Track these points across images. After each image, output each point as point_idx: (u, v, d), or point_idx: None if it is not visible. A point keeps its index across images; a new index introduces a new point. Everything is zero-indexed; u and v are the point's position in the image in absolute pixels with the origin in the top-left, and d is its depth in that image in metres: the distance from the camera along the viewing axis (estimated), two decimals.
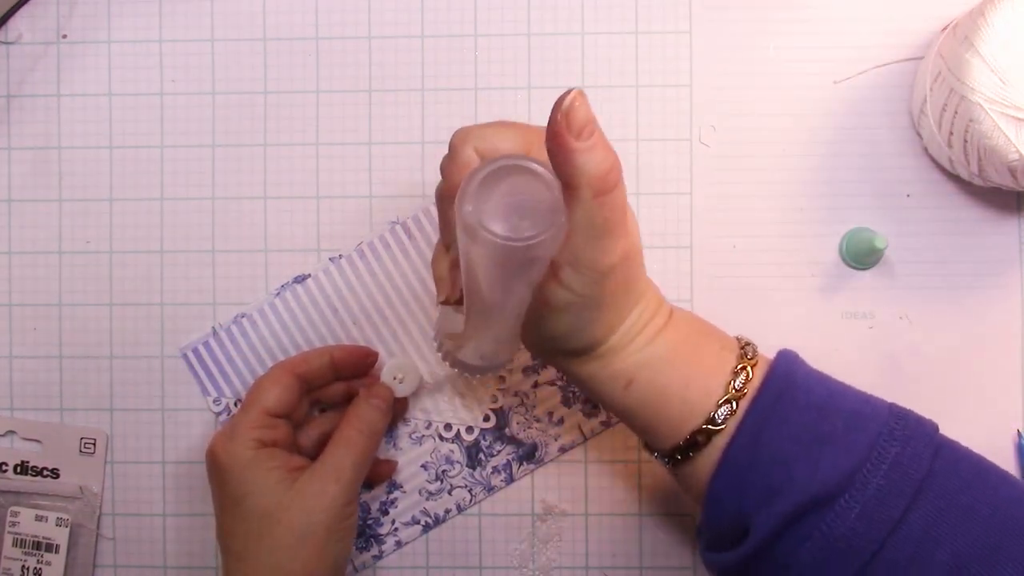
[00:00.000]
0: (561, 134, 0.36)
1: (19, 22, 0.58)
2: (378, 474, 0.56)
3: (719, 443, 0.42)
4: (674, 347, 0.43)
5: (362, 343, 0.56)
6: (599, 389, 0.44)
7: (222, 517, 0.50)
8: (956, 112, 0.49)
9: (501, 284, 0.40)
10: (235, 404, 0.57)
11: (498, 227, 0.37)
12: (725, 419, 0.42)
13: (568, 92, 0.36)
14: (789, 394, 0.42)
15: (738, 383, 0.42)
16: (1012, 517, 0.40)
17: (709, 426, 0.42)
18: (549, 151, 0.37)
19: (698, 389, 0.42)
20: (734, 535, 0.43)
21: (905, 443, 0.41)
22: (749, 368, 0.43)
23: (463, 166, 0.41)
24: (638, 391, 0.43)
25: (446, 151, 0.57)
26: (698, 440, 0.42)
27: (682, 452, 0.43)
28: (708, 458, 0.43)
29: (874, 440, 0.41)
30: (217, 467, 0.49)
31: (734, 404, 0.42)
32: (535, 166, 0.38)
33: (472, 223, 0.37)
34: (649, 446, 0.46)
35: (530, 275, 0.40)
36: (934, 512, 0.40)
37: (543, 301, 0.41)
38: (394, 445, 0.57)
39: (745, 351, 0.44)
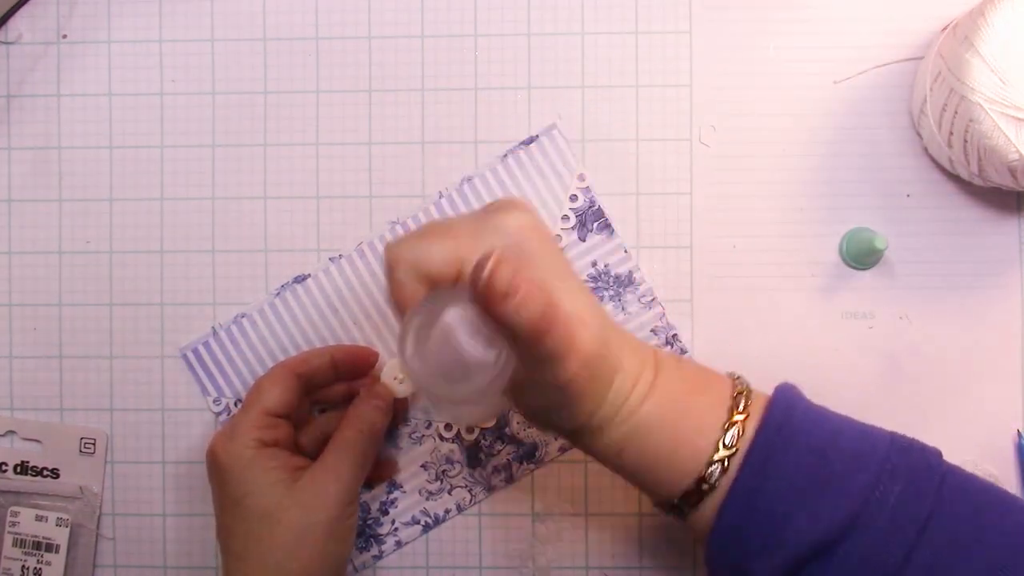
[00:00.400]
0: (486, 299, 0.37)
1: (19, 22, 0.58)
2: (379, 474, 0.56)
3: (714, 501, 0.42)
4: (660, 413, 0.42)
5: (362, 343, 0.56)
6: (596, 456, 0.44)
7: (222, 517, 0.50)
8: (956, 112, 0.49)
9: (448, 392, 0.41)
10: (235, 404, 0.57)
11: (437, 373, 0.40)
12: (717, 479, 0.41)
13: (487, 257, 0.36)
14: (784, 442, 0.41)
15: (728, 440, 0.41)
16: (1020, 544, 0.39)
17: (703, 485, 0.41)
18: (479, 307, 0.38)
19: (687, 451, 0.42)
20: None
21: (908, 481, 0.40)
22: (740, 424, 0.42)
23: (398, 286, 0.41)
24: (629, 458, 0.43)
25: (446, 151, 0.58)
26: (691, 500, 0.42)
27: (678, 511, 0.43)
28: (706, 513, 0.42)
29: (875, 481, 0.40)
30: (217, 467, 0.49)
31: (726, 462, 0.41)
32: (463, 340, 0.39)
33: (412, 368, 0.40)
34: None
35: (477, 381, 0.40)
36: (940, 546, 0.39)
37: (518, 386, 0.41)
38: (395, 445, 0.57)
39: (736, 401, 0.42)
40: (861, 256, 0.55)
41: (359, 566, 0.57)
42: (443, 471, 0.56)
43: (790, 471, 0.41)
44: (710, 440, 0.41)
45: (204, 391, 0.57)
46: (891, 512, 0.39)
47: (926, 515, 0.39)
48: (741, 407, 0.42)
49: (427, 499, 0.56)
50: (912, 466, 0.40)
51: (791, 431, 0.41)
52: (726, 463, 0.41)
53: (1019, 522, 0.40)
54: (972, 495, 0.41)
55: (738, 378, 0.44)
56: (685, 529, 0.55)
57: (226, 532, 0.49)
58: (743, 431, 0.41)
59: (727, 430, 0.41)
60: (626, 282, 0.56)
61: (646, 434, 0.42)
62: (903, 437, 0.42)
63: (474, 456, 0.56)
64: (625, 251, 0.56)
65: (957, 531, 0.39)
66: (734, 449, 0.41)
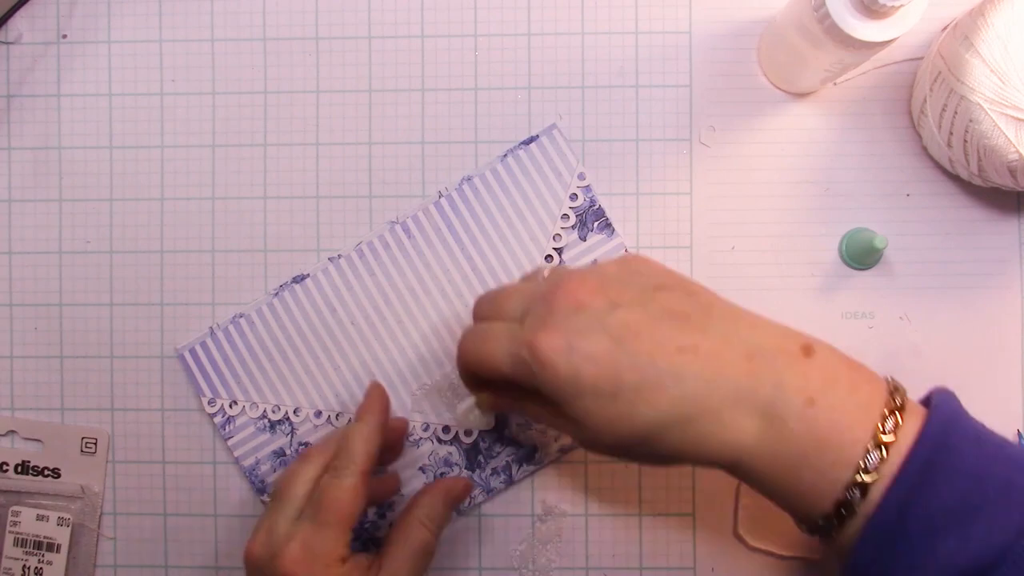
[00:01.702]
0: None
1: (19, 22, 0.58)
2: (384, 491, 0.55)
3: (864, 510, 0.40)
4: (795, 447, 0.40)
5: (361, 343, 0.56)
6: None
7: None
8: (956, 112, 0.49)
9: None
10: (230, 406, 0.57)
11: None
12: (858, 501, 0.39)
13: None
14: (942, 462, 0.39)
15: (888, 426, 0.39)
16: None
17: (846, 501, 0.40)
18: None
19: (827, 470, 0.40)
20: None
21: None
22: (890, 444, 0.39)
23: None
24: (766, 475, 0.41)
25: (446, 151, 0.58)
26: (846, 500, 0.40)
27: (822, 530, 0.41)
28: (849, 531, 0.40)
29: None
30: None
31: (879, 464, 0.39)
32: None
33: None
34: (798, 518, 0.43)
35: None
36: None
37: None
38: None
39: (889, 414, 0.40)
40: (861, 256, 0.55)
41: None
42: (442, 473, 0.56)
43: (944, 494, 0.38)
44: (868, 429, 0.40)
45: (200, 391, 0.57)
46: None
47: None
48: (899, 400, 0.41)
49: None
50: None
51: (948, 451, 0.39)
52: (883, 453, 0.39)
53: None
54: None
55: (894, 387, 0.42)
56: (684, 528, 0.55)
57: None
58: (888, 453, 0.39)
59: (876, 448, 0.39)
60: None
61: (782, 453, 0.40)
62: None
63: (473, 458, 0.56)
64: (625, 251, 0.56)
65: None
66: (891, 439, 0.39)
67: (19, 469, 0.57)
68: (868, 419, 0.40)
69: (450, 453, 0.56)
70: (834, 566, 0.43)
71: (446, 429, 0.56)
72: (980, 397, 0.55)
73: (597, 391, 0.40)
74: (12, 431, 0.57)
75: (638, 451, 0.42)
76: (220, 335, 0.57)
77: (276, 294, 0.57)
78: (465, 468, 0.56)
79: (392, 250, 0.57)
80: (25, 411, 0.58)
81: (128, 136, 0.58)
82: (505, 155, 0.56)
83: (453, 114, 0.57)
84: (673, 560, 0.56)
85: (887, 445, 0.39)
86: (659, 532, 0.56)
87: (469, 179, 0.56)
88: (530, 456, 0.56)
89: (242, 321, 0.57)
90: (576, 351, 0.40)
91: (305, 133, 0.57)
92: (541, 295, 0.43)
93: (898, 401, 0.40)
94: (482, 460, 0.56)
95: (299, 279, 0.57)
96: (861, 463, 0.39)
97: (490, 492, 0.56)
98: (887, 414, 0.40)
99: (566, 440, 0.56)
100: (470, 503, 0.56)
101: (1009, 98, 0.47)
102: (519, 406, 0.48)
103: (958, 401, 0.42)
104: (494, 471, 0.56)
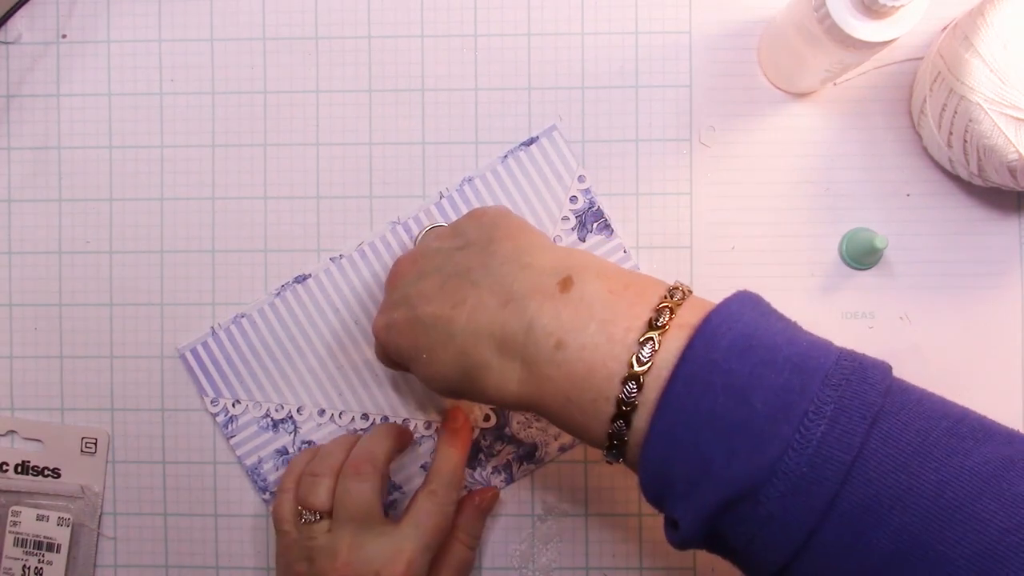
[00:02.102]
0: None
1: (19, 22, 0.58)
2: (486, 508, 0.56)
3: (635, 440, 0.39)
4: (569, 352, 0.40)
5: (362, 343, 0.56)
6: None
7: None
8: (956, 112, 0.49)
9: None
10: (233, 405, 0.57)
11: None
12: (631, 401, 0.39)
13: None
14: (706, 376, 0.38)
15: (645, 354, 0.39)
16: (965, 490, 0.35)
17: (621, 411, 0.39)
18: None
19: (601, 374, 0.39)
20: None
21: (834, 420, 0.36)
22: (656, 340, 0.39)
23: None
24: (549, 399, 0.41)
25: (446, 151, 0.58)
26: (616, 437, 0.40)
27: (611, 450, 0.41)
28: (632, 454, 0.40)
29: (798, 423, 0.36)
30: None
31: (638, 382, 0.39)
32: None
33: None
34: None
35: None
36: (870, 493, 0.36)
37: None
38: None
39: (659, 313, 0.40)
40: (861, 256, 0.55)
41: None
42: None
43: (710, 409, 0.37)
44: (623, 360, 0.39)
45: (202, 391, 0.57)
46: (811, 456, 0.36)
47: (851, 458, 0.36)
48: (662, 320, 0.39)
49: None
50: (844, 402, 0.36)
51: (713, 363, 0.38)
52: (639, 384, 0.39)
53: (968, 465, 0.36)
54: (915, 427, 0.37)
55: (677, 288, 0.41)
56: None
57: None
58: (644, 382, 0.39)
59: (643, 345, 0.39)
60: None
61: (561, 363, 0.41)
62: (850, 359, 0.38)
63: (474, 456, 0.56)
64: (625, 251, 0.56)
65: (889, 476, 0.36)
66: (646, 367, 0.38)
67: (19, 469, 0.57)
68: (624, 351, 0.39)
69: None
70: None
71: None
72: (980, 397, 0.55)
73: (409, 356, 0.46)
74: (12, 431, 0.57)
75: (464, 397, 0.45)
76: (222, 335, 0.57)
77: (278, 294, 0.57)
78: (466, 466, 0.56)
79: (393, 250, 0.57)
80: (25, 411, 0.58)
81: (128, 136, 0.58)
82: (505, 156, 0.56)
83: (453, 114, 0.57)
84: (673, 560, 0.56)
85: (642, 375, 0.38)
86: (659, 532, 0.56)
87: (470, 180, 0.56)
88: (530, 455, 0.56)
89: (243, 321, 0.57)
90: (391, 326, 0.47)
91: (305, 133, 0.57)
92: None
93: (663, 321, 0.39)
94: (483, 459, 0.56)
95: (301, 279, 0.57)
96: (620, 396, 0.39)
97: None
98: (644, 341, 0.39)
99: (566, 439, 0.56)
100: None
101: (1009, 98, 0.47)
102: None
103: (748, 300, 0.41)
104: (495, 470, 0.56)
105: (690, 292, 0.42)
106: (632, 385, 0.39)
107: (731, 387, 0.37)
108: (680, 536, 0.39)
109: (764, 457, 0.36)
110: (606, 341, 0.40)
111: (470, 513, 0.54)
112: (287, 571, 0.50)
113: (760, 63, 0.56)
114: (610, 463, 0.42)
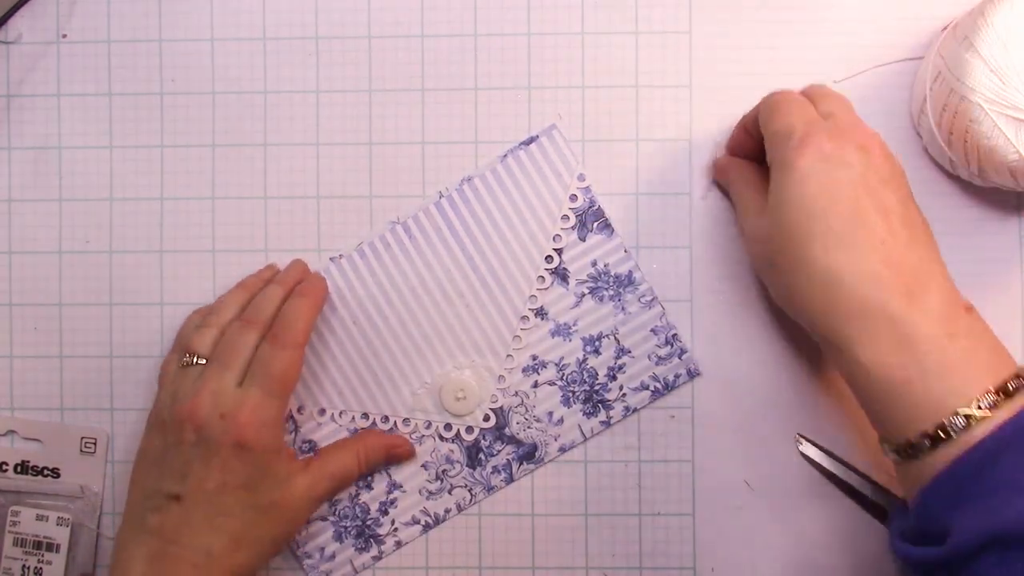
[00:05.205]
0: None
1: (19, 22, 0.58)
2: (397, 455, 0.56)
3: (963, 439, 0.41)
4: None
5: (362, 343, 0.56)
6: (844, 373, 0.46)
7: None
8: (956, 112, 0.49)
9: None
10: None
11: None
12: (989, 408, 0.41)
13: None
14: None
15: (987, 401, 0.41)
16: None
17: (942, 431, 0.42)
18: None
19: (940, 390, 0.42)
20: (934, 534, 0.42)
21: None
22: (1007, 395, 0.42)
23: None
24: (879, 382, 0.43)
25: (446, 151, 0.58)
26: (947, 425, 0.42)
27: (906, 451, 0.43)
28: (942, 454, 0.42)
29: None
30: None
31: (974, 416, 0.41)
32: None
33: None
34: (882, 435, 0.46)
35: None
36: None
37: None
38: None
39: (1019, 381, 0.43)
40: None
41: (359, 566, 0.57)
42: (443, 471, 0.56)
43: None
44: (972, 393, 0.42)
45: None
46: None
47: None
48: (1014, 386, 0.42)
49: (427, 499, 0.56)
50: None
51: None
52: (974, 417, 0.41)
53: None
54: None
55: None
56: (684, 528, 0.55)
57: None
58: (1004, 400, 0.41)
59: (997, 393, 0.42)
60: (626, 282, 0.56)
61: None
62: None
63: (474, 456, 0.56)
64: (625, 251, 0.56)
65: None
66: (986, 413, 0.41)
67: (19, 469, 0.57)
68: (1002, 366, 0.43)
69: (451, 451, 0.56)
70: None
71: (448, 427, 0.56)
72: None
73: (812, 212, 0.45)
74: (12, 431, 0.57)
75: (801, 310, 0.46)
76: None
77: None
78: (466, 466, 0.56)
79: (393, 250, 0.57)
80: (25, 411, 0.58)
81: (128, 136, 0.58)
82: (505, 155, 0.56)
83: (453, 114, 0.57)
84: (673, 560, 0.56)
85: (1008, 393, 0.41)
86: (659, 532, 0.56)
87: (469, 179, 0.56)
88: (530, 455, 0.56)
89: None
90: (829, 172, 0.45)
91: (305, 133, 0.57)
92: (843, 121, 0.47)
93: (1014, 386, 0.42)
94: (483, 458, 0.56)
95: None
96: (978, 400, 0.41)
97: (490, 490, 0.56)
98: (1016, 376, 0.42)
99: (566, 439, 0.56)
100: (471, 501, 0.56)
101: (1009, 98, 0.47)
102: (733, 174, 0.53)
103: None
104: (495, 469, 0.56)
105: None
106: (993, 397, 0.42)
107: None
108: (944, 549, 0.40)
109: None
110: (988, 354, 0.43)
111: (379, 445, 0.55)
112: (155, 418, 0.51)
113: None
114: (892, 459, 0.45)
